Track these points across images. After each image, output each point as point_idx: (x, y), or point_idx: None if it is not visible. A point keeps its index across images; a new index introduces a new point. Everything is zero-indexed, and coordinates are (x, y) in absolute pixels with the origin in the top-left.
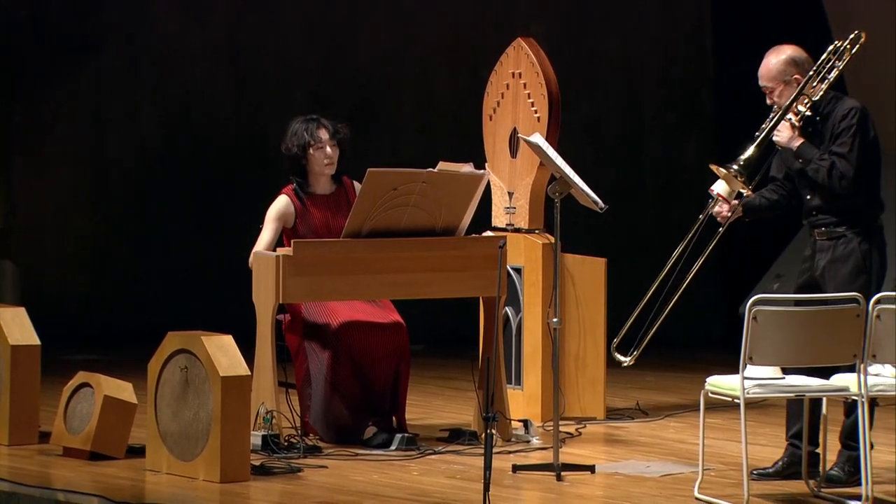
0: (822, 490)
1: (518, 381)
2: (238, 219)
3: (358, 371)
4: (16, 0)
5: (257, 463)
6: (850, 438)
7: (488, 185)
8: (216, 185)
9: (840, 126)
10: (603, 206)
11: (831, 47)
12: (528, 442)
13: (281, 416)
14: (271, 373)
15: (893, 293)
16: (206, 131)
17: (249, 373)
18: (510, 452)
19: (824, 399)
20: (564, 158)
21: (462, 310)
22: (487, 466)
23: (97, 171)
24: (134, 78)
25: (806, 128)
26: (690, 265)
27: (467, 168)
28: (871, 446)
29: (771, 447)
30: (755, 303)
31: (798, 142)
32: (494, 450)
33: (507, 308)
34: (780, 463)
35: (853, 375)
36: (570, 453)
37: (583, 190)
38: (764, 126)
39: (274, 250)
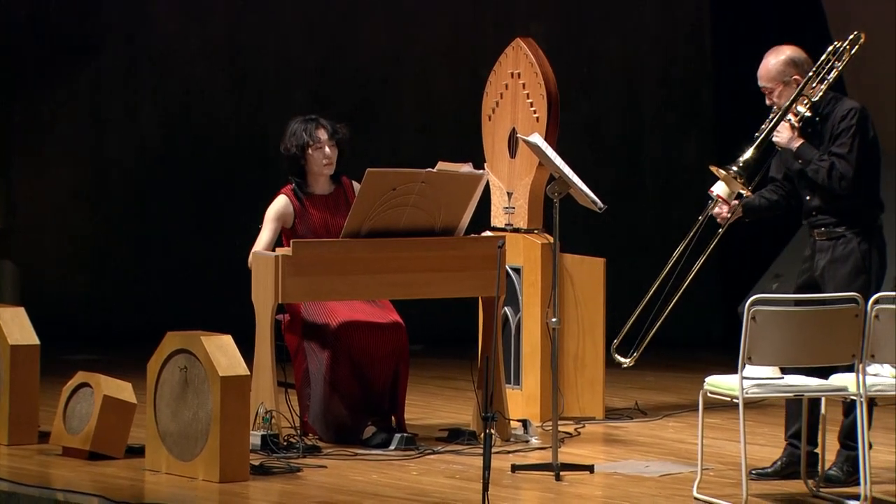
0: (821, 490)
1: (517, 381)
2: (238, 219)
3: (357, 371)
4: (16, 0)
5: (256, 463)
6: (848, 438)
7: (487, 185)
8: (216, 185)
9: (840, 127)
10: (602, 206)
11: (830, 48)
12: (527, 442)
13: (280, 415)
14: (270, 373)
15: (892, 293)
16: (205, 131)
17: (249, 373)
18: (509, 452)
19: (823, 399)
20: (563, 158)
21: (461, 310)
22: (486, 466)
23: (97, 171)
24: (134, 78)
25: (805, 128)
26: (690, 265)
27: (466, 168)
28: (870, 446)
29: (770, 447)
30: (754, 303)
31: (798, 142)
32: (493, 450)
33: (506, 308)
34: (779, 463)
35: (852, 375)
36: (568, 453)
37: (582, 190)
38: (763, 127)
39: (273, 250)
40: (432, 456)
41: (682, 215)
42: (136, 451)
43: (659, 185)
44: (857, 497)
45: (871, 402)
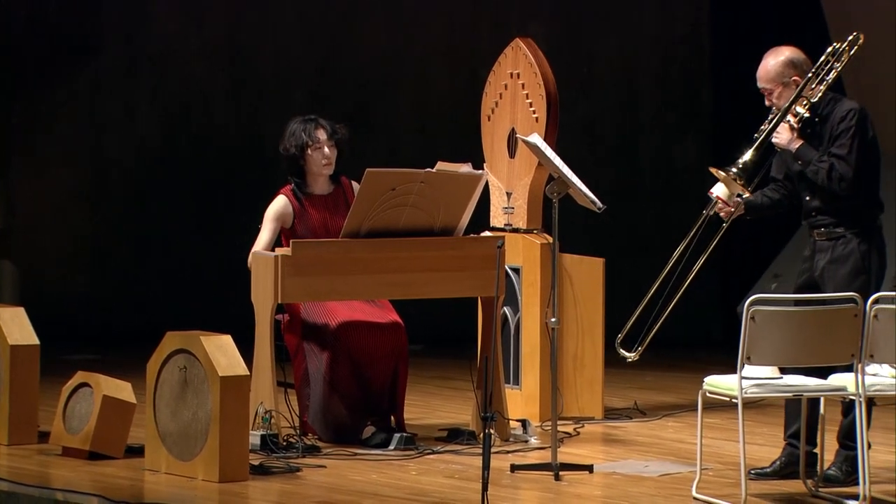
0: (820, 490)
1: (516, 381)
2: (237, 219)
3: (356, 371)
4: (16, 0)
5: (256, 462)
6: (847, 438)
7: (486, 185)
8: (216, 185)
9: (839, 128)
10: (601, 206)
11: (830, 49)
12: (527, 442)
13: (280, 415)
14: (270, 373)
15: (891, 293)
16: (205, 131)
17: (248, 373)
18: (508, 452)
19: (822, 399)
20: (562, 158)
21: (460, 310)
22: (486, 466)
23: (97, 172)
24: (133, 78)
25: (805, 129)
26: (691, 265)
27: (465, 168)
28: (869, 446)
29: (769, 447)
30: (753, 303)
31: (797, 143)
32: (493, 449)
33: (505, 308)
34: (778, 462)
35: (851, 375)
36: (568, 453)
37: (581, 190)
38: (763, 128)
39: (272, 250)
40: (431, 456)
41: (682, 215)
42: (136, 451)
43: (658, 186)
44: (856, 497)
45: (870, 402)
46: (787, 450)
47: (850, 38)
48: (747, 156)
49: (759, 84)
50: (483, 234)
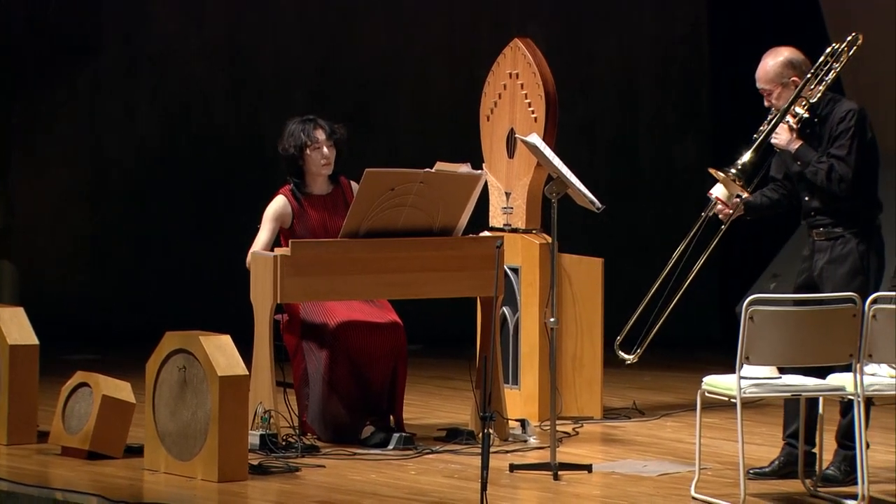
0: (819, 489)
1: (515, 381)
2: (237, 219)
3: (355, 371)
4: (15, 0)
5: (255, 462)
6: (846, 438)
7: (485, 185)
8: (215, 185)
9: (838, 128)
10: (600, 206)
11: (829, 49)
12: (526, 441)
13: (279, 415)
14: (269, 372)
15: (890, 293)
16: (205, 131)
17: (247, 372)
18: (507, 452)
19: (821, 399)
20: (561, 159)
21: (459, 310)
22: (485, 466)
23: (96, 171)
24: (133, 78)
25: (804, 129)
26: (690, 265)
27: (465, 168)
28: (868, 445)
29: (767, 446)
30: (752, 302)
31: (796, 144)
32: (492, 449)
33: (504, 308)
34: (777, 462)
35: (849, 375)
36: (567, 453)
37: (580, 190)
38: (762, 129)
39: (271, 250)
40: (430, 455)
41: (681, 215)
42: (135, 451)
43: (657, 186)
44: (854, 496)
45: (869, 402)
46: (785, 449)
47: (849, 38)
48: (746, 157)
49: (758, 84)
50: (482, 234)
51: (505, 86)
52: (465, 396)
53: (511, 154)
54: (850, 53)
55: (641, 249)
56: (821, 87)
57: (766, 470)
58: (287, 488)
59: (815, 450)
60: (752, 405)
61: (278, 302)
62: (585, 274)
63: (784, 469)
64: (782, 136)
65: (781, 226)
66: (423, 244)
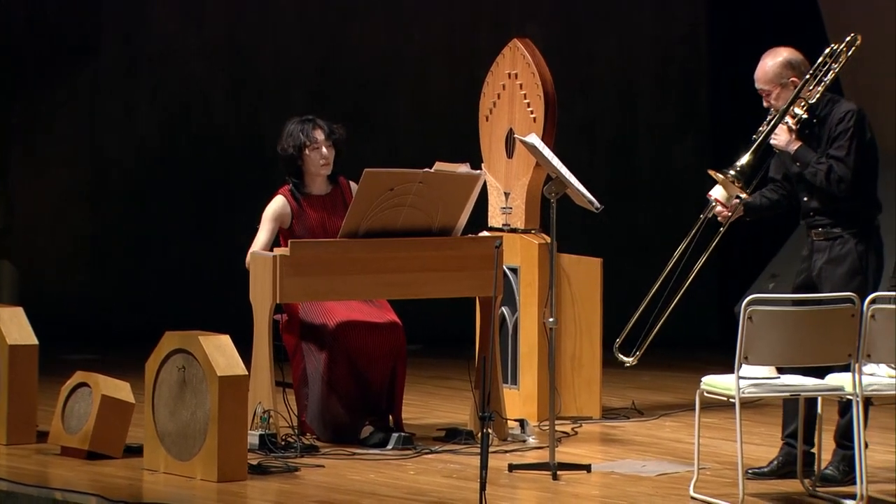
0: (818, 489)
1: (514, 381)
2: (237, 219)
3: (355, 371)
4: (15, 0)
5: (254, 462)
6: (844, 438)
7: (484, 185)
8: (215, 185)
9: (837, 129)
10: (599, 206)
11: (828, 50)
12: (525, 441)
13: (278, 415)
14: (268, 372)
15: (889, 293)
16: (204, 131)
17: (247, 372)
18: (506, 452)
19: (819, 398)
20: (561, 159)
21: (458, 310)
22: (484, 466)
23: (96, 171)
24: (133, 78)
25: (803, 130)
26: (689, 266)
27: (464, 168)
28: (866, 445)
29: (766, 446)
30: (750, 303)
31: (795, 145)
32: (491, 449)
33: (503, 308)
34: (776, 462)
35: (848, 375)
36: (566, 453)
37: (578, 190)
38: (761, 130)
39: (270, 251)
40: (430, 455)
41: (680, 216)
42: (135, 451)
43: (656, 186)
44: (853, 496)
45: (867, 402)
46: (784, 449)
47: (848, 38)
48: (745, 158)
49: (757, 85)
50: (481, 234)
51: (504, 86)
52: (464, 396)
53: (510, 154)
54: (849, 54)
55: (640, 249)
56: (820, 88)
57: (765, 470)
58: (286, 488)
59: (814, 450)
60: (751, 405)
61: (277, 302)
62: (584, 274)
63: (783, 469)
64: (781, 137)
65: (780, 226)
66: (422, 244)
